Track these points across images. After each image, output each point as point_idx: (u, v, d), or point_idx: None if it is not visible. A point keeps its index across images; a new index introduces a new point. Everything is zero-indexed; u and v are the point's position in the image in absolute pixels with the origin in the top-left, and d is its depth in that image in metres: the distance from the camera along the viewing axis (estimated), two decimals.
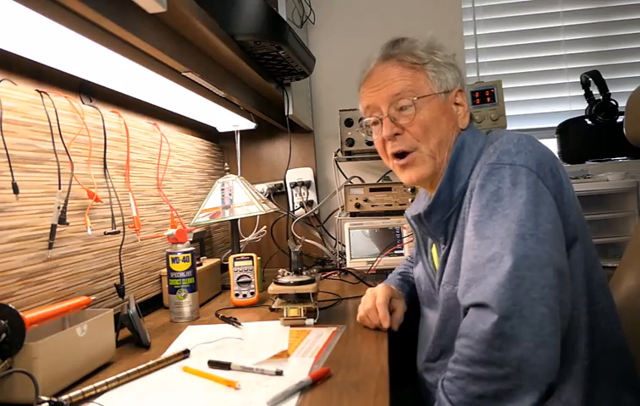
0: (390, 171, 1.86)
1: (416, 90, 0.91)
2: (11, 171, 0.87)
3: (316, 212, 1.97)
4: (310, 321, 1.09)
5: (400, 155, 0.94)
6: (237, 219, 1.57)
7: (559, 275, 0.70)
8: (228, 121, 1.74)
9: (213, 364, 0.86)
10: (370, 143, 1.66)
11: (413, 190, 1.62)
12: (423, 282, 1.03)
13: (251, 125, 1.79)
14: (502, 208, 0.75)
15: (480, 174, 0.80)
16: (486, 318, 0.69)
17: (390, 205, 1.64)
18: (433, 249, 1.01)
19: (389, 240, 1.57)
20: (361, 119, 1.02)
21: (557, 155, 1.80)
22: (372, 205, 1.65)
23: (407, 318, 1.15)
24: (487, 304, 0.69)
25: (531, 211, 0.72)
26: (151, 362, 0.87)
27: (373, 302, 1.05)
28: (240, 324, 1.12)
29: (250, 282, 1.33)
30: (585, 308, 0.78)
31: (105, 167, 1.15)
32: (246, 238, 1.79)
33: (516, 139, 0.80)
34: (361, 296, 1.32)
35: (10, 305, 0.73)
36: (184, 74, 1.03)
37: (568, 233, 0.77)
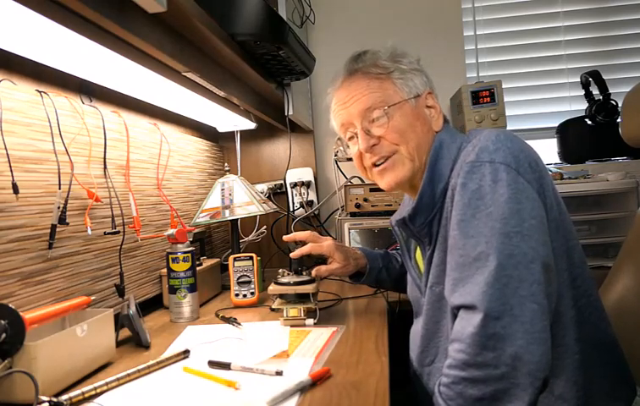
0: None
1: (386, 100, 0.92)
2: (11, 171, 0.87)
3: (316, 212, 1.97)
4: (310, 321, 1.09)
5: (378, 163, 0.95)
6: (237, 219, 1.57)
7: (546, 269, 0.71)
8: (228, 121, 1.74)
9: (213, 364, 0.86)
10: None
11: None
12: (410, 288, 1.04)
13: (251, 125, 1.79)
14: (485, 206, 0.75)
15: (460, 173, 0.80)
16: (475, 320, 0.69)
17: (390, 205, 1.64)
18: (417, 254, 1.01)
19: (389, 240, 1.57)
20: (338, 139, 1.04)
21: (557, 155, 1.80)
22: (372, 205, 1.65)
23: (407, 318, 1.15)
24: (476, 306, 0.69)
25: (514, 208, 0.73)
26: (151, 362, 0.87)
27: (312, 232, 1.18)
28: (240, 324, 1.12)
29: (250, 282, 1.33)
30: (572, 302, 0.78)
31: (105, 167, 1.15)
32: (246, 238, 1.79)
33: (494, 137, 0.80)
34: (362, 296, 1.33)
35: (10, 305, 0.73)
36: (184, 74, 1.03)
37: (551, 226, 0.77)
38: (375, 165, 0.95)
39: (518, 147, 0.78)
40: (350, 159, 1.83)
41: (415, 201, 0.90)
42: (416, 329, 0.98)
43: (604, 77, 1.66)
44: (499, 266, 0.70)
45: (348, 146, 1.01)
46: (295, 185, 1.95)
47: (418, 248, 1.00)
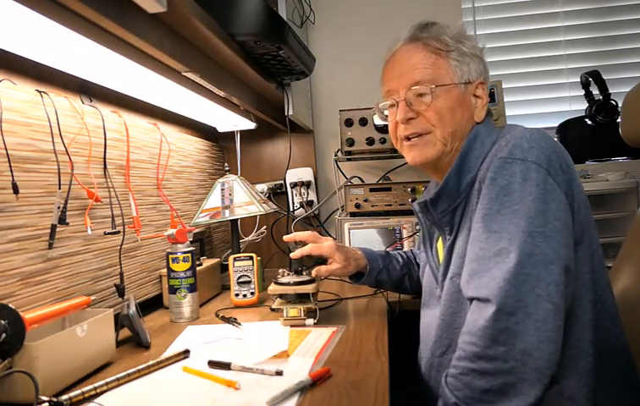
0: (390, 171, 1.87)
1: (436, 79, 0.91)
2: (11, 171, 0.87)
3: (316, 212, 1.97)
4: (310, 321, 1.09)
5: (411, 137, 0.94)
6: (237, 219, 1.57)
7: (565, 271, 0.71)
8: (228, 121, 1.74)
9: (213, 364, 0.86)
10: (370, 142, 1.66)
11: (413, 191, 1.62)
12: (426, 277, 1.04)
13: (251, 125, 1.79)
14: (511, 203, 0.75)
15: (491, 167, 0.80)
16: (487, 313, 0.70)
17: (390, 205, 1.64)
18: (439, 244, 1.01)
19: (389, 240, 1.57)
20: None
21: None
22: (372, 205, 1.65)
23: (407, 317, 1.15)
24: (490, 300, 0.70)
25: (540, 208, 0.73)
26: (151, 362, 0.87)
27: (312, 233, 1.17)
28: (240, 324, 1.12)
29: (250, 282, 1.33)
30: (590, 305, 0.78)
31: (105, 167, 1.15)
32: (246, 238, 1.79)
33: (529, 134, 0.80)
34: (362, 296, 1.33)
35: (10, 305, 0.73)
36: (184, 74, 1.03)
37: (576, 229, 0.78)
38: (407, 138, 0.95)
39: (551, 147, 0.78)
40: (350, 159, 1.83)
41: (439, 186, 0.91)
42: (428, 320, 0.98)
43: (604, 77, 1.66)
44: (518, 264, 0.70)
45: (385, 114, 1.00)
46: (295, 185, 1.95)
47: (440, 237, 1.00)
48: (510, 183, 0.76)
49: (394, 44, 0.99)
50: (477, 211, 0.80)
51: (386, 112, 1.01)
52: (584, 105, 1.74)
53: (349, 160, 1.86)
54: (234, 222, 1.57)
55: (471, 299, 0.75)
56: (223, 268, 1.60)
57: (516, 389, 0.67)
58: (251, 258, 1.34)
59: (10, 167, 0.86)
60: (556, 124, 1.81)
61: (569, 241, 0.75)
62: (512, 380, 0.67)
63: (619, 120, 1.64)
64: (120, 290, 1.15)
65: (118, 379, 0.80)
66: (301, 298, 1.11)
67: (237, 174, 1.87)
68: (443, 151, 0.92)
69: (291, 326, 1.08)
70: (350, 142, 1.67)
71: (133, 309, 1.00)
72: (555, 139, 1.80)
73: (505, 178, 0.77)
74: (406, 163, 1.19)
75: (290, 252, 1.14)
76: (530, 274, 0.70)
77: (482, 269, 0.74)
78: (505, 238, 0.73)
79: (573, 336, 0.76)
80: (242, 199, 1.49)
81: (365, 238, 1.60)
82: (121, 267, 1.16)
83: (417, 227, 1.49)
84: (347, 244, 1.58)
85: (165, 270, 1.23)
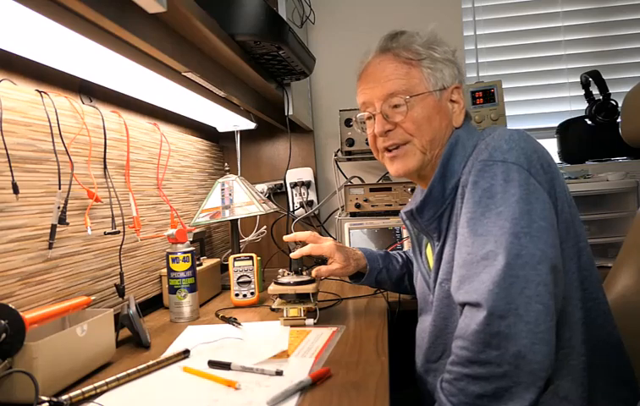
0: None
1: (410, 89, 0.91)
2: (11, 171, 0.87)
3: (316, 212, 1.97)
4: (310, 321, 1.09)
5: (390, 149, 0.95)
6: (237, 219, 1.57)
7: (553, 270, 0.71)
8: (228, 121, 1.74)
9: (213, 364, 0.86)
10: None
11: (413, 191, 1.62)
12: (419, 284, 1.04)
13: (251, 125, 1.79)
14: (495, 205, 0.75)
15: (472, 171, 0.80)
16: (479, 318, 0.69)
17: (390, 205, 1.64)
18: (428, 250, 1.01)
19: (389, 240, 1.57)
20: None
21: (557, 155, 1.80)
22: (372, 205, 1.65)
23: (407, 318, 1.15)
24: (481, 304, 0.70)
25: (524, 208, 0.73)
26: (151, 362, 0.87)
27: (312, 233, 1.17)
28: (240, 324, 1.12)
29: (250, 282, 1.33)
30: (580, 303, 0.78)
31: (105, 167, 1.15)
32: (246, 238, 1.79)
33: (508, 136, 0.80)
34: (362, 296, 1.33)
35: (10, 305, 0.73)
36: (184, 74, 1.03)
37: (561, 228, 0.77)
38: (387, 150, 0.95)
39: (531, 147, 0.78)
40: (350, 159, 1.83)
41: (424, 194, 0.91)
42: (423, 327, 0.98)
43: (604, 77, 1.66)
44: (506, 266, 0.70)
45: (364, 124, 1.00)
46: (295, 185, 1.95)
47: (429, 244, 1.00)
48: (492, 186, 0.76)
49: (365, 56, 0.99)
50: (462, 215, 0.80)
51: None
52: (584, 105, 1.74)
53: (349, 160, 1.86)
54: (234, 222, 1.57)
55: (463, 305, 0.75)
56: (223, 268, 1.60)
57: (511, 393, 0.67)
58: (251, 258, 1.34)
59: (10, 167, 0.86)
60: (556, 124, 1.81)
61: (555, 240, 0.74)
62: (506, 384, 0.67)
63: (619, 120, 1.64)
64: (120, 290, 1.15)
65: (118, 379, 0.80)
66: (301, 298, 1.11)
67: (237, 174, 1.87)
68: (423, 160, 0.93)
69: (291, 326, 1.08)
70: (350, 142, 1.67)
71: (133, 310, 1.00)
72: (555, 138, 1.80)
73: (487, 180, 0.77)
74: None
75: (290, 252, 1.14)
76: (518, 276, 0.69)
77: (470, 274, 0.74)
78: (491, 241, 0.73)
79: (564, 335, 0.76)
80: (242, 199, 1.50)
81: (365, 238, 1.60)
82: (121, 267, 1.16)
83: None
84: (347, 244, 1.58)
85: (165, 270, 1.23)
